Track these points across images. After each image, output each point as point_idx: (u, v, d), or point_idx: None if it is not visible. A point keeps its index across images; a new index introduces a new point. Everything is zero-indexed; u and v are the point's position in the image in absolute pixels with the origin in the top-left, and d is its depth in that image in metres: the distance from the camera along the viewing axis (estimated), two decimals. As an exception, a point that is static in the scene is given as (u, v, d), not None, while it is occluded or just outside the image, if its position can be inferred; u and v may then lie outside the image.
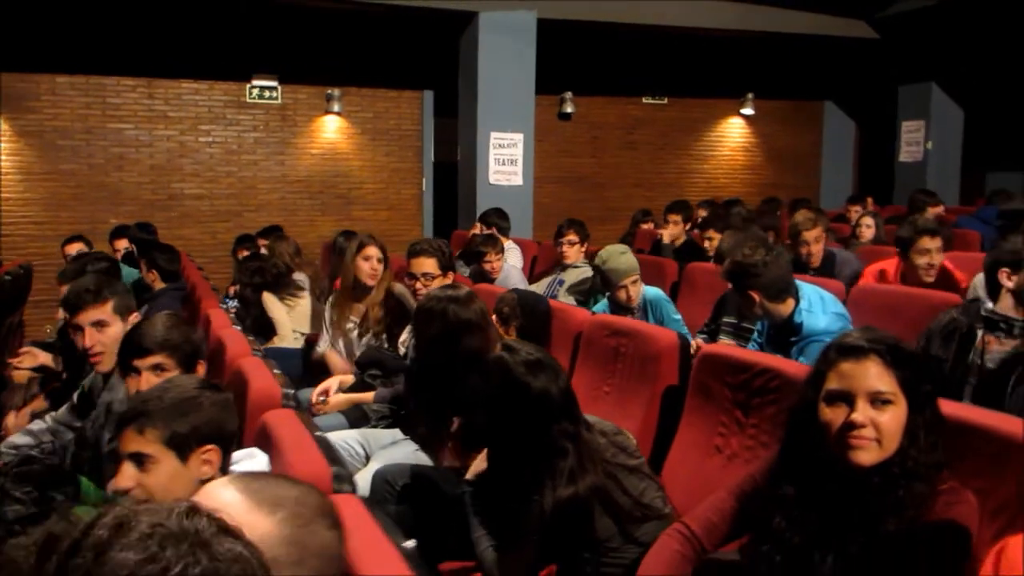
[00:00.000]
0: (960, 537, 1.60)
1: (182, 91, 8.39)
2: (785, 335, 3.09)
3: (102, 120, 8.20)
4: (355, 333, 4.01)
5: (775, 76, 10.17)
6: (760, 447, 2.26)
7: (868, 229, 5.91)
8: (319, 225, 8.59)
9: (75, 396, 2.86)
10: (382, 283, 3.82)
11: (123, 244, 6.56)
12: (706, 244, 5.50)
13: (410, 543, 1.30)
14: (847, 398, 1.67)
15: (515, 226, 6.76)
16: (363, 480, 2.63)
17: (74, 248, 6.10)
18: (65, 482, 2.36)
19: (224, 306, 4.86)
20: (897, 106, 9.62)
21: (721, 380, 2.41)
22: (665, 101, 10.05)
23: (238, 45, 8.32)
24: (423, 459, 2.94)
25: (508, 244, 6.12)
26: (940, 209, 7.38)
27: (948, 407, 1.78)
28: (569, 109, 9.49)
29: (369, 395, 3.50)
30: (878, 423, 1.65)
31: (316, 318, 5.38)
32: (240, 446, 1.88)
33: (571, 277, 5.20)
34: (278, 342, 5.12)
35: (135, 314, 2.88)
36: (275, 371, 2.47)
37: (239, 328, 3.41)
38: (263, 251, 6.54)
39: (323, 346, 4.02)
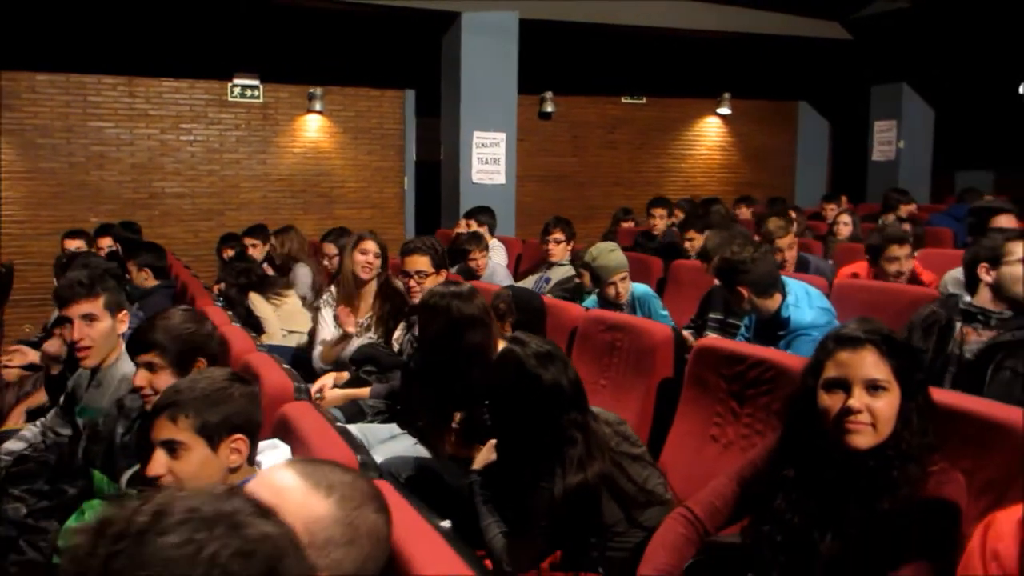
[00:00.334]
0: (951, 513, 1.71)
1: (163, 89, 8.36)
2: (772, 329, 3.20)
3: (83, 118, 8.16)
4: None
5: (751, 76, 10.35)
6: (755, 435, 2.36)
7: (845, 227, 6.06)
8: (302, 224, 8.53)
9: (61, 399, 2.89)
10: (379, 279, 3.86)
11: (107, 242, 6.53)
12: (687, 244, 5.60)
13: (446, 523, 1.37)
14: (844, 385, 1.77)
15: (498, 224, 6.84)
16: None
17: (73, 244, 6.07)
18: (77, 476, 2.42)
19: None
20: (870, 106, 9.82)
21: (716, 372, 2.51)
22: (644, 101, 10.19)
23: (219, 44, 8.31)
24: (422, 452, 3.00)
25: (493, 242, 6.20)
26: (912, 207, 7.57)
27: (937, 394, 1.89)
28: (550, 108, 9.59)
29: (365, 391, 3.55)
30: (873, 409, 1.75)
31: (306, 314, 5.43)
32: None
33: (557, 275, 5.29)
34: (266, 340, 5.15)
35: (125, 312, 2.92)
36: (284, 365, 2.53)
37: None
38: (250, 250, 6.57)
39: (319, 349, 4.00)
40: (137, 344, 2.33)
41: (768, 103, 10.77)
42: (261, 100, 8.62)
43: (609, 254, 3.82)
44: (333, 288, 4.17)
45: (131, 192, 8.32)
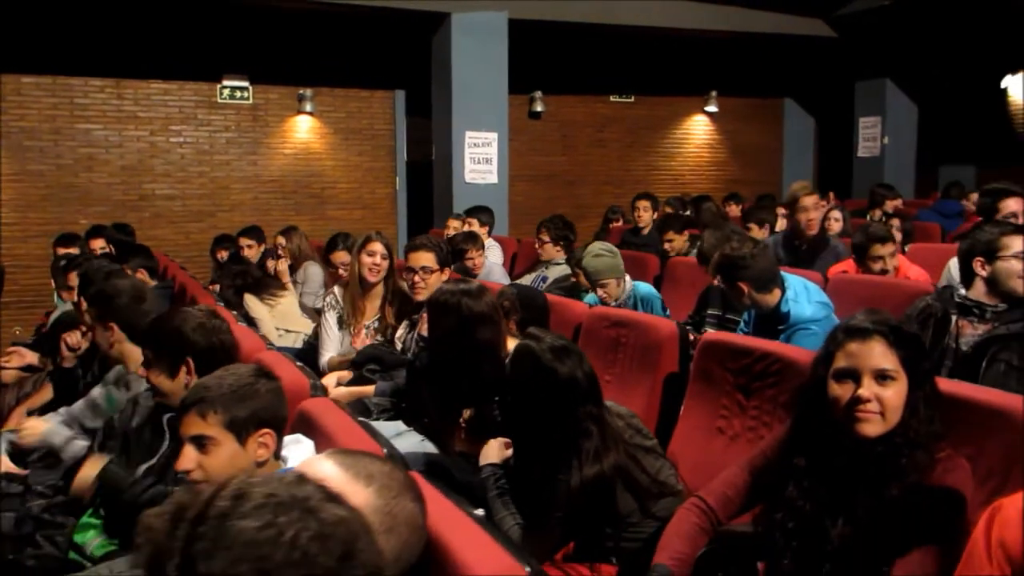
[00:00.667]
0: (957, 499, 1.77)
1: (151, 91, 8.34)
2: (772, 324, 3.26)
3: (70, 120, 8.13)
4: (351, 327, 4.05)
5: (737, 74, 10.44)
6: (762, 427, 2.41)
7: (836, 222, 6.13)
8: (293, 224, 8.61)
9: (95, 392, 2.91)
10: (386, 281, 3.88)
11: (99, 244, 6.52)
12: (667, 246, 5.65)
13: (479, 512, 1.41)
14: (854, 375, 1.83)
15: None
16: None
17: (65, 251, 6.05)
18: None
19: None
20: (854, 102, 9.94)
21: (723, 365, 2.56)
22: (632, 99, 10.26)
23: (208, 45, 8.29)
24: (429, 449, 3.04)
25: (489, 242, 6.24)
26: (898, 202, 7.68)
27: (942, 383, 1.96)
28: (539, 108, 9.64)
29: (369, 388, 3.58)
30: (882, 398, 1.81)
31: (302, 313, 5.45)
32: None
33: (554, 273, 5.34)
34: (263, 340, 5.18)
35: None
36: (297, 363, 2.56)
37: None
38: (245, 251, 6.59)
39: (328, 353, 4.01)
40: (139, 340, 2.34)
41: (754, 100, 10.88)
42: (251, 101, 8.61)
43: (593, 259, 3.86)
44: (336, 290, 4.19)
45: (121, 194, 8.30)
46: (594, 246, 3.99)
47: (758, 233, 5.38)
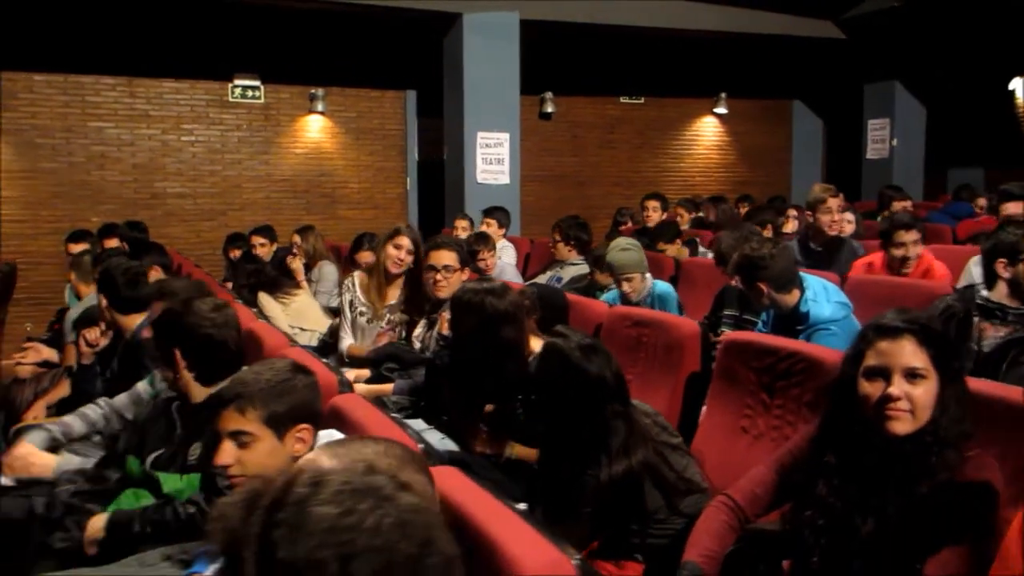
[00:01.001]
0: (988, 497, 1.78)
1: (163, 90, 8.37)
2: (791, 324, 3.27)
3: (82, 119, 8.16)
4: (366, 317, 4.07)
5: (746, 76, 10.44)
6: (787, 426, 2.42)
7: (849, 224, 6.11)
8: (303, 224, 8.64)
9: (140, 387, 2.94)
10: (408, 274, 3.90)
11: (113, 243, 6.55)
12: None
13: (522, 506, 1.42)
14: (884, 373, 1.84)
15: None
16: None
17: (77, 247, 6.08)
18: (116, 462, 2.49)
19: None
20: (863, 104, 9.94)
21: (746, 365, 2.57)
22: (642, 101, 10.28)
23: (219, 44, 8.32)
24: (450, 447, 3.06)
25: (503, 242, 6.26)
26: (907, 204, 7.67)
27: (970, 382, 1.96)
28: (550, 109, 9.66)
29: (388, 387, 3.60)
30: (912, 396, 1.82)
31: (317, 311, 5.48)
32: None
33: (568, 273, 5.35)
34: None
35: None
36: (323, 360, 2.58)
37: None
38: (257, 250, 6.61)
39: (347, 340, 4.05)
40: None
41: (763, 102, 10.88)
42: (262, 101, 8.64)
43: (619, 253, 3.91)
44: (355, 275, 4.21)
45: (132, 192, 8.33)
46: (619, 241, 4.04)
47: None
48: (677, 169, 10.56)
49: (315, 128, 8.85)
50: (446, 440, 3.14)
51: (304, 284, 5.76)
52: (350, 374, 3.75)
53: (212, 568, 1.75)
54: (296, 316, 5.48)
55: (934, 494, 1.79)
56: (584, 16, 8.29)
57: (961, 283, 3.70)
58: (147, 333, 3.27)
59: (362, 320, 4.04)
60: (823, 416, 1.98)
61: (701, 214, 7.71)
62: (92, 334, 4.10)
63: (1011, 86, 9.40)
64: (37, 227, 8.07)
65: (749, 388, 2.56)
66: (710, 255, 5.19)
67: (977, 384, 2.08)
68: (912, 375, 1.82)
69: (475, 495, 1.41)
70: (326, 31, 8.41)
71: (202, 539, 1.99)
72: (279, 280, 5.62)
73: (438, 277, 3.61)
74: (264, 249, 6.67)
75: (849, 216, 6.33)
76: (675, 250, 5.74)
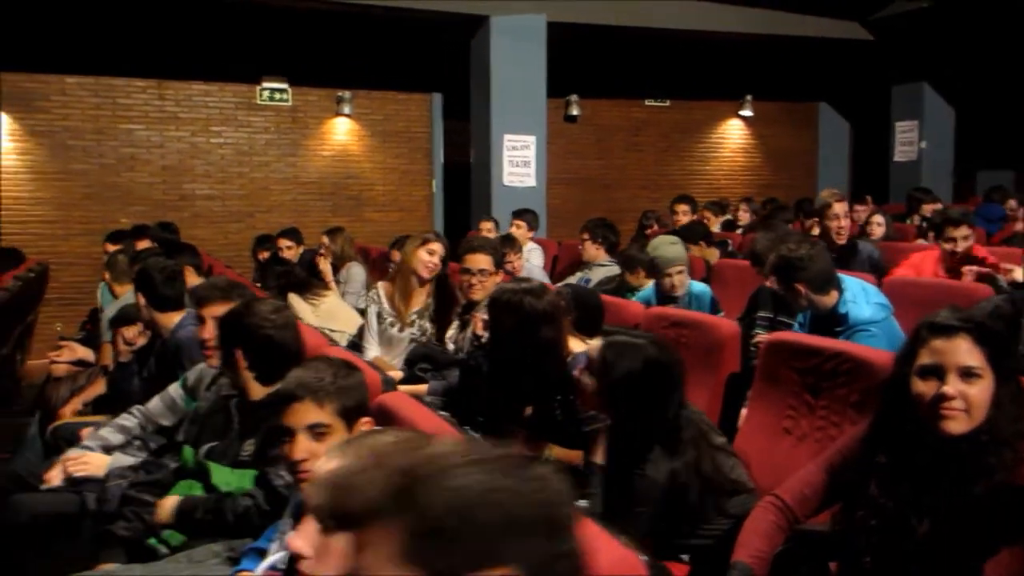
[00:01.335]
0: (1047, 498, 1.76)
1: (192, 92, 8.45)
2: (828, 325, 3.24)
3: (112, 121, 8.26)
4: (396, 327, 4.06)
5: (772, 78, 10.39)
6: (832, 427, 2.40)
7: (879, 227, 6.09)
8: (331, 226, 8.68)
9: (172, 390, 2.96)
10: (436, 280, 3.90)
11: (144, 244, 6.61)
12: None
13: (583, 503, 1.42)
14: (938, 372, 1.82)
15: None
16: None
17: (115, 248, 6.15)
18: (176, 451, 2.53)
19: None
20: (890, 106, 9.85)
21: (789, 365, 2.55)
22: (667, 103, 10.25)
23: (248, 47, 8.39)
24: (487, 447, 3.06)
25: (531, 245, 6.27)
26: (937, 206, 7.61)
27: (1024, 382, 1.94)
28: (575, 112, 9.66)
29: (422, 387, 3.60)
30: (967, 395, 1.80)
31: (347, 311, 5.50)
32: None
33: (597, 275, 5.35)
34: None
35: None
36: (364, 358, 2.58)
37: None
38: (284, 252, 6.66)
39: (372, 351, 4.04)
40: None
41: (789, 105, 10.82)
42: (290, 103, 8.71)
43: (669, 246, 3.92)
44: (379, 286, 4.20)
45: (161, 194, 8.41)
46: (664, 237, 4.08)
47: None
48: (703, 172, 10.53)
49: (342, 131, 8.90)
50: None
51: (332, 285, 5.79)
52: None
53: (264, 566, 1.76)
54: (326, 317, 5.50)
55: (991, 494, 1.77)
56: (611, 18, 8.29)
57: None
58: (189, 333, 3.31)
59: (392, 330, 4.00)
60: (874, 415, 1.96)
61: (729, 217, 7.68)
62: (130, 332, 4.14)
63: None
64: (68, 228, 8.16)
65: (792, 389, 2.54)
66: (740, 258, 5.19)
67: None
68: (967, 374, 1.80)
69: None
70: (353, 34, 8.46)
71: (253, 534, 2.02)
72: (309, 281, 5.65)
73: (473, 281, 3.60)
74: (291, 252, 6.71)
75: (879, 219, 6.30)
76: (700, 251, 5.73)
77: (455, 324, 3.90)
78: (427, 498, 0.81)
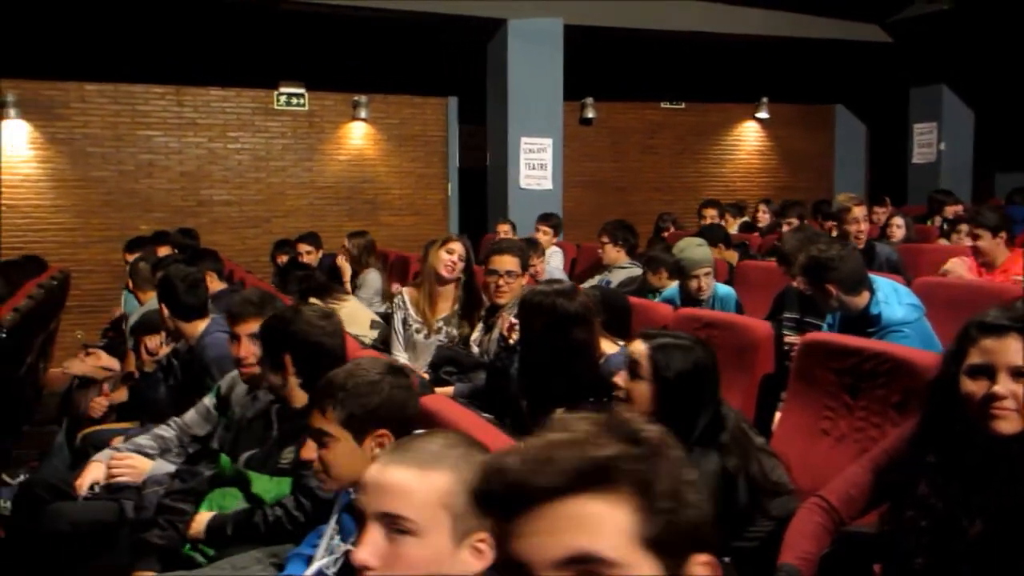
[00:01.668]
0: (1101, 500, 1.73)
1: (210, 98, 8.49)
2: (860, 326, 3.21)
3: (131, 127, 8.29)
4: (423, 333, 4.04)
5: (788, 80, 10.36)
6: (871, 428, 2.38)
7: (899, 229, 6.06)
8: (347, 230, 8.67)
9: (207, 401, 2.96)
10: (461, 283, 3.88)
11: (166, 251, 6.64)
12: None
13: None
14: (988, 372, 1.79)
15: (548, 230, 6.89)
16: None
17: (135, 255, 6.18)
18: (210, 458, 2.52)
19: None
20: (909, 108, 9.80)
21: (825, 366, 2.53)
22: (683, 106, 10.23)
23: (265, 53, 8.42)
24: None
25: (552, 248, 6.26)
26: (958, 208, 7.56)
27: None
28: (590, 114, 9.64)
29: (448, 390, 3.59)
30: (1019, 395, 1.77)
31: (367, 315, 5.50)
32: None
33: (617, 277, 5.33)
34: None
35: None
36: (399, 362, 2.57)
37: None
38: (303, 257, 6.67)
39: (400, 357, 3.99)
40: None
41: (805, 107, 10.78)
42: (307, 108, 8.73)
43: (696, 248, 3.90)
44: (404, 292, 4.19)
45: (180, 200, 8.44)
46: (690, 240, 4.06)
47: None
48: (718, 175, 10.49)
49: (358, 135, 8.92)
50: (511, 443, 3.13)
51: (348, 286, 5.81)
52: (409, 377, 3.77)
53: (311, 572, 1.74)
54: (346, 321, 5.48)
55: (1044, 495, 1.75)
56: (627, 21, 8.28)
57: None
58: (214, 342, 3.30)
59: (418, 337, 3.98)
60: (922, 415, 1.94)
61: (747, 219, 7.65)
62: (152, 342, 4.13)
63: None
64: (88, 235, 8.20)
65: (829, 390, 2.52)
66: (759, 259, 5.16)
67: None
68: (1019, 373, 1.78)
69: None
70: (369, 38, 8.48)
71: (291, 541, 2.01)
72: (329, 286, 5.65)
73: (500, 282, 3.58)
74: (310, 256, 6.73)
75: (899, 221, 6.27)
76: (719, 253, 5.71)
77: (479, 327, 3.88)
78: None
